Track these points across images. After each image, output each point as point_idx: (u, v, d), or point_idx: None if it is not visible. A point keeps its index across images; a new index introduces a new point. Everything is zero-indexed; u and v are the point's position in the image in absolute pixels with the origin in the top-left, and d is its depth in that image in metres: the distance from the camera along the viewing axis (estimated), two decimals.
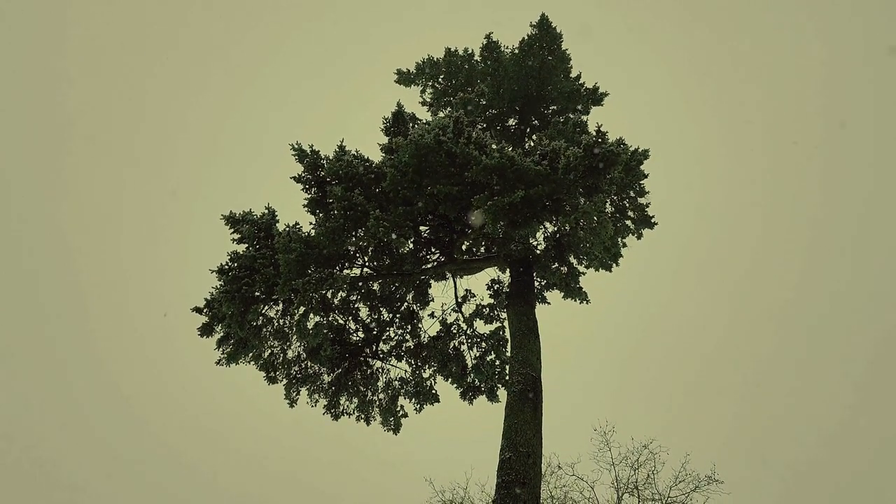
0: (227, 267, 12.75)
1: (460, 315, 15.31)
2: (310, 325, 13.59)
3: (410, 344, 15.04)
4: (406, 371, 14.90)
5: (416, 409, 14.67)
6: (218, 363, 13.16)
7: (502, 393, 14.51)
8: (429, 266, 14.25)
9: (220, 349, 13.11)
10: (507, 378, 13.37)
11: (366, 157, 13.29)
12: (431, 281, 15.21)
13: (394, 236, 12.18)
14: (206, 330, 12.82)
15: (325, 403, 14.29)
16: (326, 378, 14.27)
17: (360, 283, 14.16)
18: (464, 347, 15.04)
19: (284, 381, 13.99)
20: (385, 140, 13.74)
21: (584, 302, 15.17)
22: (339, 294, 14.17)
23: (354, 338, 14.57)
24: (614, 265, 15.56)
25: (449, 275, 15.09)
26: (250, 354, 13.45)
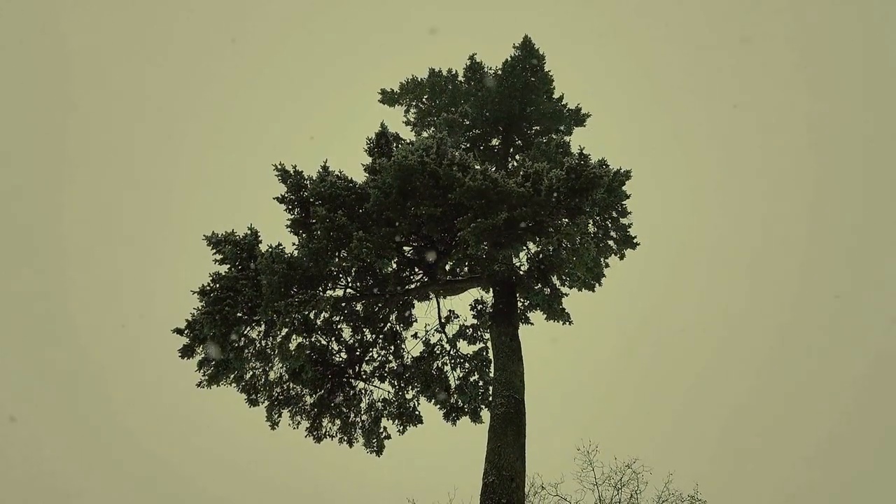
0: (208, 288, 12.62)
1: (444, 336, 15.26)
2: (292, 346, 13.47)
3: (393, 365, 14.94)
4: (389, 392, 14.78)
5: (399, 430, 14.54)
6: (199, 385, 12.95)
7: (486, 414, 14.45)
8: (412, 286, 14.22)
9: (201, 371, 12.92)
10: (490, 400, 13.33)
11: (349, 177, 13.32)
12: (415, 301, 15.16)
13: (377, 257, 12.15)
14: (186, 351, 12.64)
15: (308, 426, 14.10)
16: (309, 400, 14.10)
17: (343, 304, 14.08)
18: (447, 368, 14.97)
19: (266, 404, 13.79)
20: (369, 160, 13.77)
21: (567, 323, 15.21)
22: (322, 315, 14.07)
23: (337, 359, 14.44)
24: (597, 285, 15.67)
25: (432, 295, 15.06)
26: (231, 376, 13.28)
